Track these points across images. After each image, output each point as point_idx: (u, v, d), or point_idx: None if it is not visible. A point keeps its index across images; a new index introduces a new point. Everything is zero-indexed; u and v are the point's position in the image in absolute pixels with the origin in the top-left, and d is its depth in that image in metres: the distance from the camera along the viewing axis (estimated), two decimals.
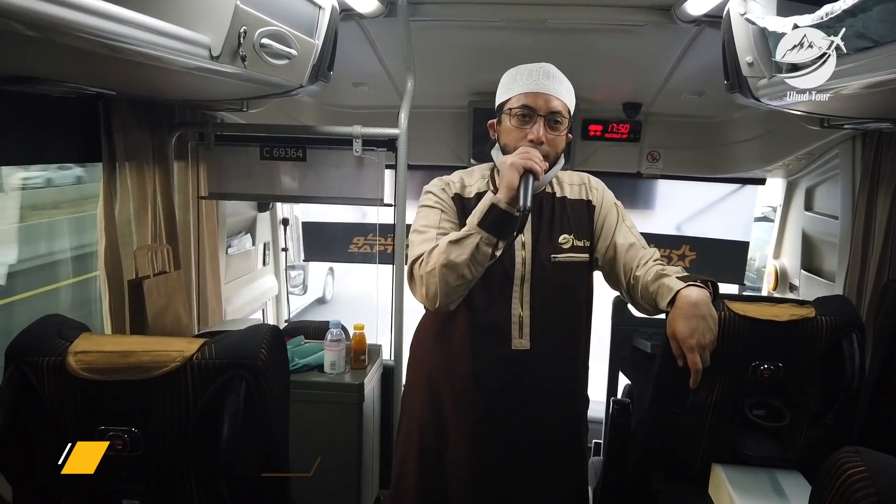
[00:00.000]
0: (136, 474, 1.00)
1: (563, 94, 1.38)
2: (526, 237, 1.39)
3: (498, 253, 1.27)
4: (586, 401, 1.53)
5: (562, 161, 1.42)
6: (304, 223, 3.30)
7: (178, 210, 2.06)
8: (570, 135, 1.42)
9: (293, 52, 1.50)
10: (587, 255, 1.43)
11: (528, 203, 1.19)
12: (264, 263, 2.99)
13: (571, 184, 1.47)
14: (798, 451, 1.45)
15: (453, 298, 1.28)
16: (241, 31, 1.28)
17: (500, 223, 1.23)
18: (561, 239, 1.40)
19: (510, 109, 1.37)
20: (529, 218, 1.34)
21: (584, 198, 1.46)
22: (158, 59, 1.15)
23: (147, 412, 0.97)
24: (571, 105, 1.41)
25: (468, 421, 1.42)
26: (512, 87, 1.38)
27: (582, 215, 1.44)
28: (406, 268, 1.34)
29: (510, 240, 1.30)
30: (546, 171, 1.31)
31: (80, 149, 1.70)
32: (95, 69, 1.28)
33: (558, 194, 1.45)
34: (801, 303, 1.45)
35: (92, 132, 1.69)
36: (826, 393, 1.42)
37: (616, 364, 2.36)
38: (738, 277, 3.01)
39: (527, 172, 1.22)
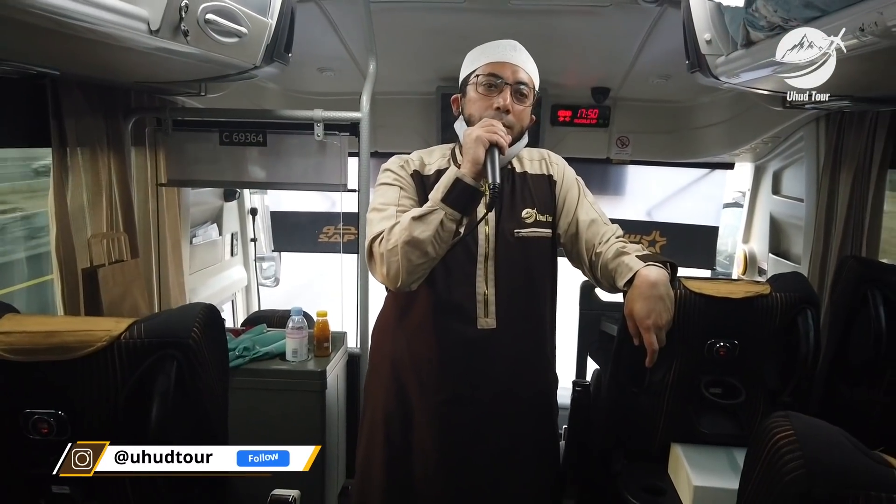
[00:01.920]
0: None
1: (530, 68, 1.36)
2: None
3: (462, 230, 1.22)
4: (556, 380, 1.50)
5: (525, 139, 1.39)
6: (272, 213, 3.24)
7: (136, 198, 2.01)
8: (534, 116, 1.39)
9: (243, 29, 1.46)
10: (550, 231, 1.40)
11: (498, 179, 1.15)
12: (232, 254, 2.94)
13: (531, 159, 1.45)
14: (755, 429, 1.45)
15: (416, 277, 1.23)
16: (182, 4, 1.24)
17: (464, 198, 1.18)
18: (524, 213, 1.38)
19: (477, 77, 1.33)
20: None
21: (545, 172, 1.43)
22: (94, 33, 1.10)
23: (73, 394, 0.93)
24: (536, 83, 1.39)
25: (433, 404, 1.39)
26: (479, 58, 1.35)
27: (543, 190, 1.41)
28: (365, 246, 1.29)
29: (482, 217, 1.27)
30: (511, 145, 1.28)
31: (26, 132, 1.64)
32: (30, 44, 1.23)
33: (518, 170, 1.42)
34: (758, 281, 1.45)
35: (40, 115, 1.63)
36: (782, 370, 1.42)
37: (584, 349, 2.35)
38: (708, 262, 3.02)
39: (492, 146, 1.18)
